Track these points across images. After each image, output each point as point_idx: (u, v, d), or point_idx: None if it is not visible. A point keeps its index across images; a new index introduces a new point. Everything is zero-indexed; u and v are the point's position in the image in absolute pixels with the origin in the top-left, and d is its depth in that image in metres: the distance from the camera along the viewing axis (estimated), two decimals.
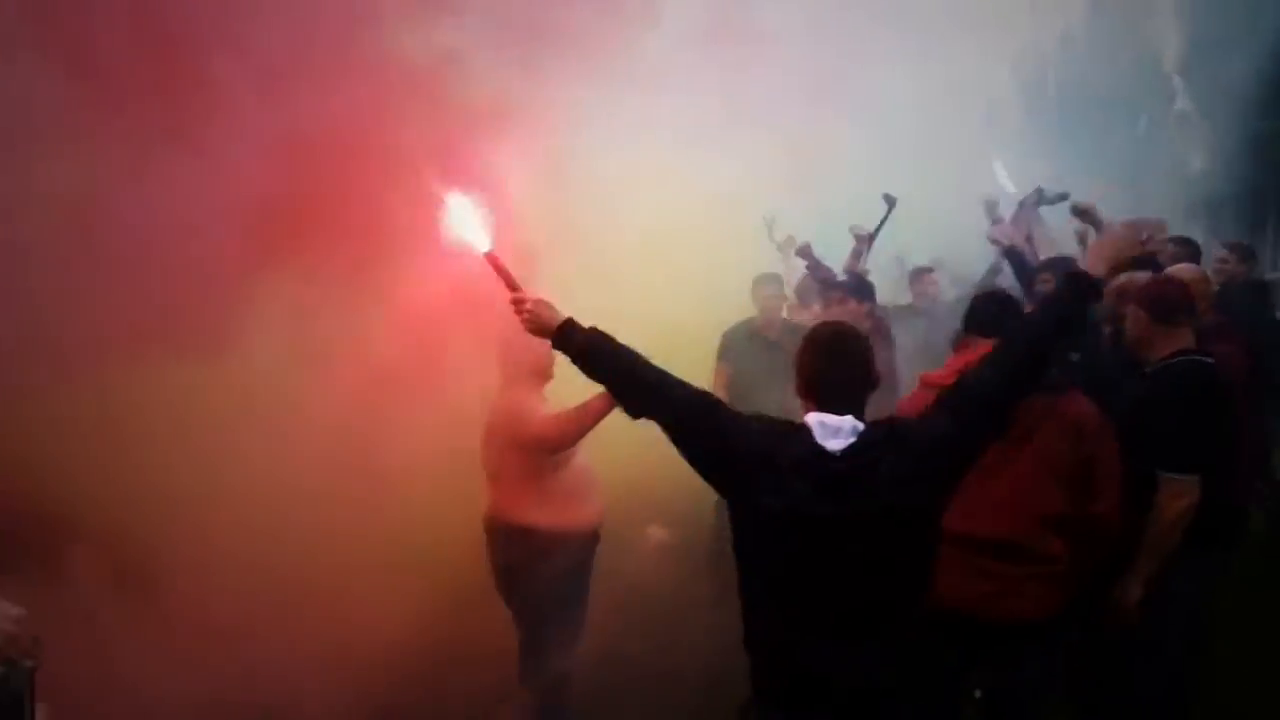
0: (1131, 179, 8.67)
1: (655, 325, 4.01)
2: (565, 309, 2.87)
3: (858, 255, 6.43)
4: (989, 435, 2.60)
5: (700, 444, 2.62)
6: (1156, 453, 3.50)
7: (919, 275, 6.98)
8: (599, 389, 3.40)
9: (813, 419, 2.53)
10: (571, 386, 3.49)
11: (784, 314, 6.11)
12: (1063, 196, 6.19)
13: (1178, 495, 3.49)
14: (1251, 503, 4.50)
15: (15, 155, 3.72)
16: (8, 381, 3.72)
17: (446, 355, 4.25)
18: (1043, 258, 5.84)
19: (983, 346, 3.39)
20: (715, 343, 6.02)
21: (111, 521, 3.89)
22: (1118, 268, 2.83)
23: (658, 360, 2.77)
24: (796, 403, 2.65)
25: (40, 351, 3.82)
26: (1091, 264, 2.72)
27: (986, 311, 3.51)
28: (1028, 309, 3.85)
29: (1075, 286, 2.65)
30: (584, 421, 3.89)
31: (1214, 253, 6.60)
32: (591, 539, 4.22)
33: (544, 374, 4.15)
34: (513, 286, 2.95)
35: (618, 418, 3.10)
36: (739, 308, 6.12)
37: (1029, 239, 6.25)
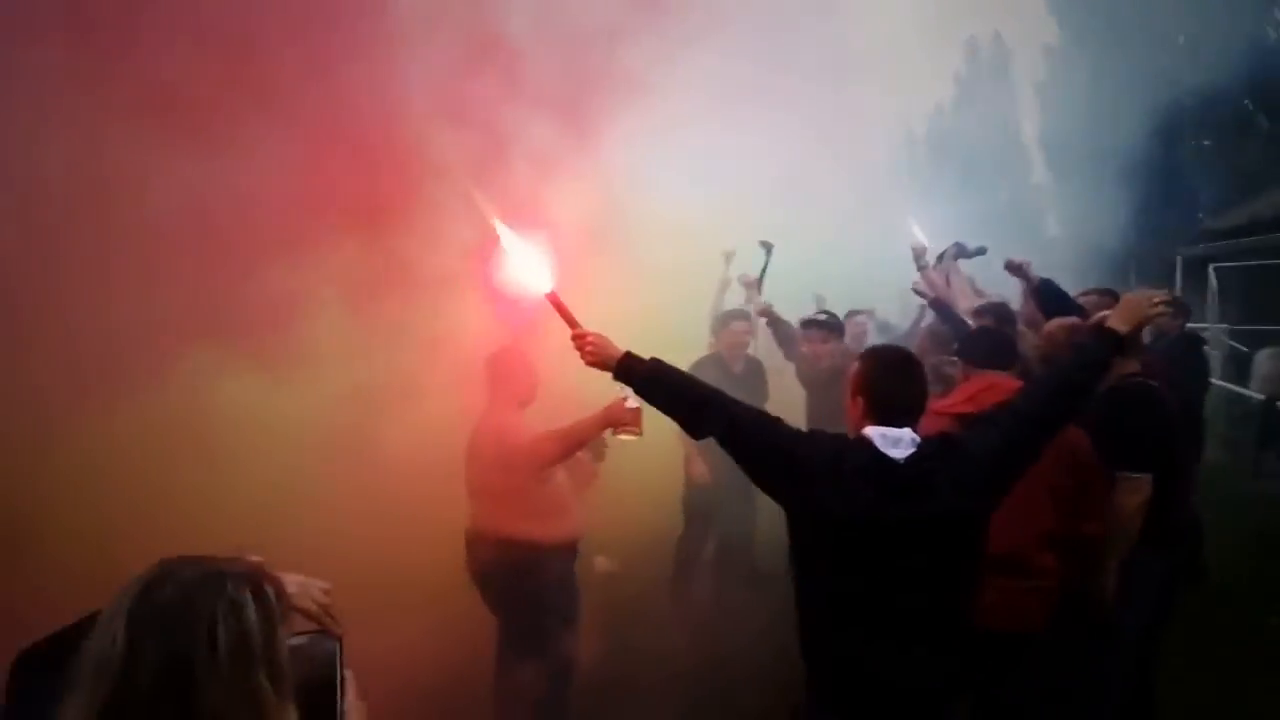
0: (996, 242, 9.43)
1: None
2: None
3: (749, 300, 6.87)
4: (1033, 455, 2.82)
5: (765, 457, 2.75)
6: (1114, 455, 3.89)
7: (850, 317, 7.31)
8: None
9: (873, 431, 2.68)
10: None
11: (749, 349, 6.40)
12: (980, 250, 6.64)
13: (1133, 491, 3.90)
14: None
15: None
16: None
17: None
18: (964, 306, 6.25)
19: (983, 376, 3.64)
20: None
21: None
22: (1138, 326, 3.17)
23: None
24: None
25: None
26: (1114, 321, 3.07)
27: (979, 345, 3.79)
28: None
29: (1103, 339, 3.01)
30: (572, 441, 4.13)
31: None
32: (571, 552, 4.42)
33: (529, 400, 4.37)
34: (573, 324, 3.05)
35: None
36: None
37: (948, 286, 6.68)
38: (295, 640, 1.41)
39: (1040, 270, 6.10)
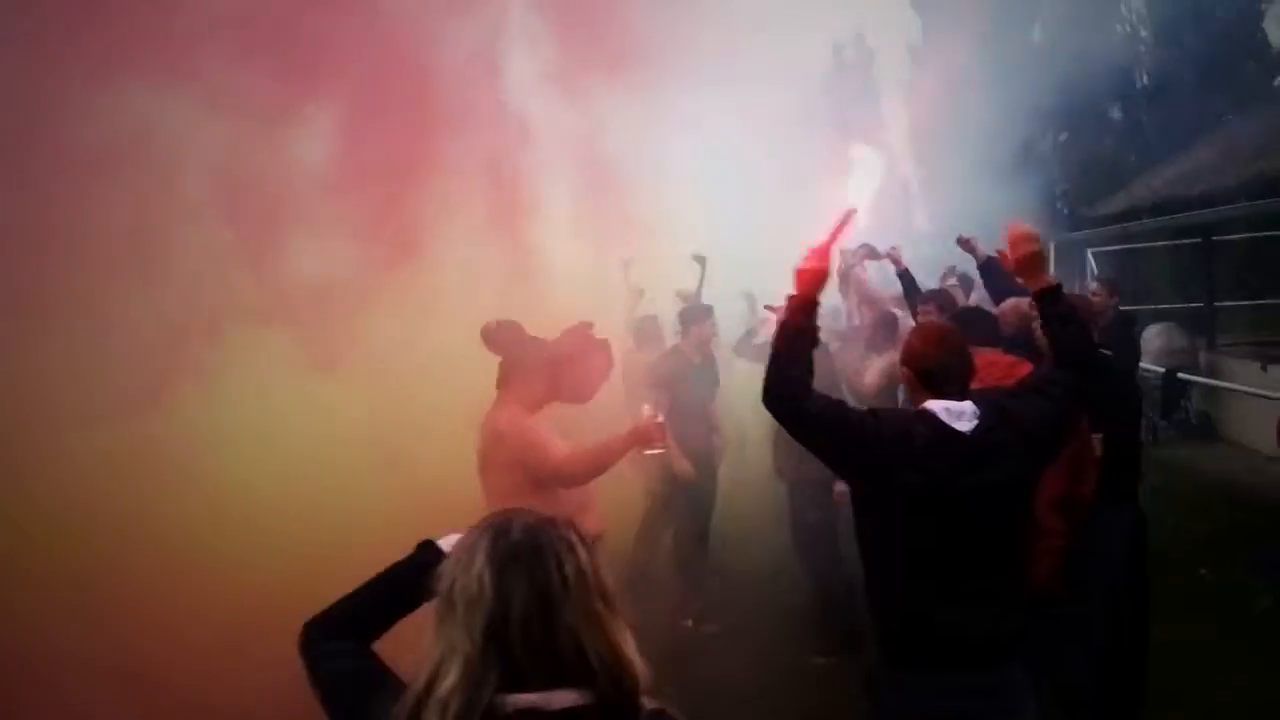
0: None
1: None
2: None
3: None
4: (1076, 421, 3.04)
5: (837, 437, 2.89)
6: None
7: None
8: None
9: (936, 405, 2.87)
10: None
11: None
12: (893, 252, 7.03)
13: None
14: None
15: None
16: None
17: None
18: (869, 304, 6.79)
19: (980, 354, 3.87)
20: None
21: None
22: (1036, 250, 3.16)
23: None
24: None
25: None
26: (1030, 278, 3.14)
27: (975, 325, 4.04)
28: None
29: (1046, 301, 3.10)
30: (601, 463, 4.12)
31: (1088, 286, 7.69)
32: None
33: (541, 403, 4.31)
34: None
35: None
36: None
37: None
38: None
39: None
